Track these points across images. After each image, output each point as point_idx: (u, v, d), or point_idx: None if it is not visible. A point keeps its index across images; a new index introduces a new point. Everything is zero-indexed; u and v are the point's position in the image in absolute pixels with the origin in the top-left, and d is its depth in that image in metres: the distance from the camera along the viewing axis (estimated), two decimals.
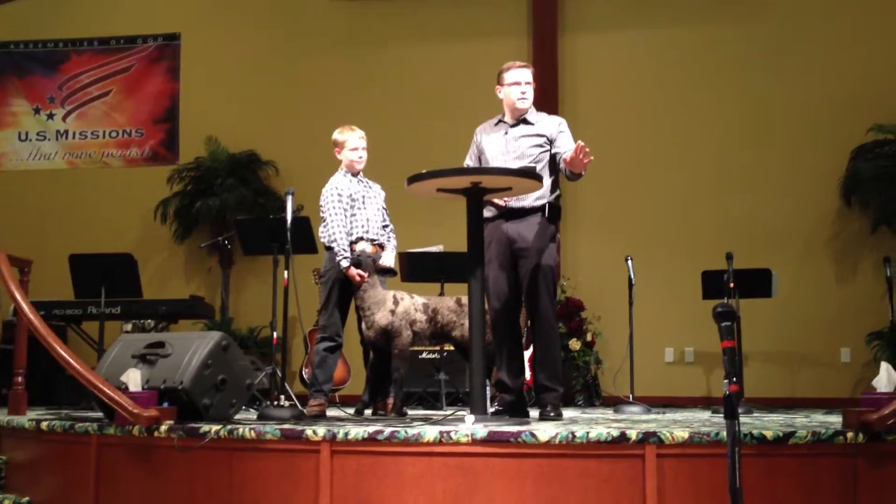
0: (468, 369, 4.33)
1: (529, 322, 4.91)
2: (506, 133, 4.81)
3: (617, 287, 7.15)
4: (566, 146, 4.69)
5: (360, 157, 5.42)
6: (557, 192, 4.81)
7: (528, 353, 6.37)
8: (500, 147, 4.79)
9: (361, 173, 5.48)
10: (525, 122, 4.80)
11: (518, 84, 4.78)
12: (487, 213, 4.75)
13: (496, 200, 4.66)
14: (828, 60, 8.62)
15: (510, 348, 4.77)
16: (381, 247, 5.39)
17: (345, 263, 5.04)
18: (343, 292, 5.27)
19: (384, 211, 5.57)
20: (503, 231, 4.71)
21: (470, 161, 4.95)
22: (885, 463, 3.35)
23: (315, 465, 3.56)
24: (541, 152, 4.74)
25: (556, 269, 4.85)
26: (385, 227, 5.53)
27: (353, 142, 5.40)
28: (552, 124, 4.81)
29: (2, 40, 10.00)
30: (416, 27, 9.37)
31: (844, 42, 8.62)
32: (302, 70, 9.46)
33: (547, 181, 4.70)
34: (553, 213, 4.74)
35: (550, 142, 4.76)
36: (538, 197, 4.68)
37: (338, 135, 5.45)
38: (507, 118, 4.86)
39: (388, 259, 5.35)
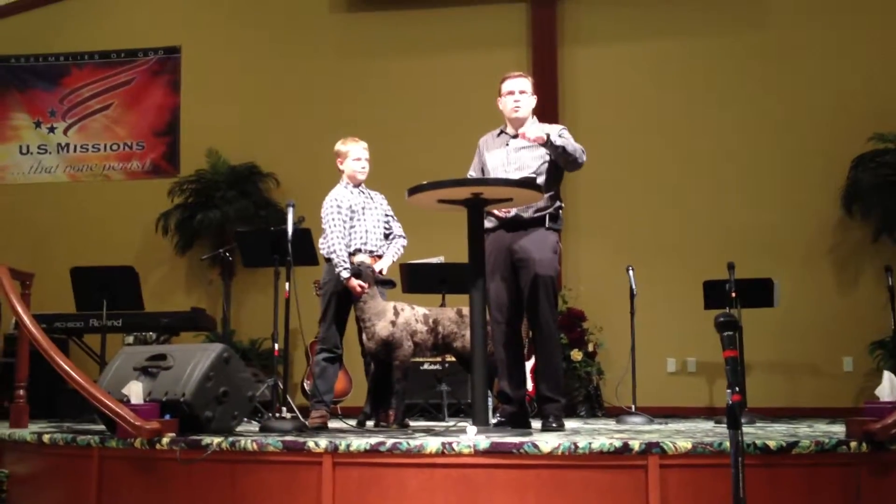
0: (470, 380, 4.33)
1: (531, 333, 4.90)
2: (507, 144, 4.81)
3: (618, 297, 7.14)
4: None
5: (363, 168, 5.42)
6: (559, 202, 4.80)
7: (529, 364, 6.36)
8: (501, 159, 4.79)
9: (363, 184, 5.48)
10: None
11: (511, 93, 4.78)
12: (489, 223, 4.75)
13: (496, 212, 4.66)
14: (828, 70, 8.64)
15: (512, 359, 4.75)
16: (381, 258, 5.37)
17: (345, 274, 5.04)
18: (341, 304, 5.26)
19: (391, 219, 5.54)
20: (504, 242, 4.71)
21: (474, 172, 4.93)
22: (888, 472, 3.34)
23: (317, 477, 3.56)
24: (542, 163, 4.73)
25: (558, 280, 4.84)
26: (387, 235, 5.51)
27: (355, 152, 5.40)
28: (552, 133, 4.80)
29: (3, 54, 10.03)
30: (416, 39, 9.40)
31: (844, 51, 8.64)
32: (302, 82, 9.48)
33: (549, 192, 4.70)
34: (554, 223, 4.74)
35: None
36: (539, 208, 4.67)
37: (340, 145, 5.45)
38: (509, 129, 4.86)
39: (383, 263, 5.33)
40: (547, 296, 4.64)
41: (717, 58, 8.88)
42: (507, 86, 4.81)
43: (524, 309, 4.74)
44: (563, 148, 4.55)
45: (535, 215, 4.69)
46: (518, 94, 4.77)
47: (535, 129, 4.53)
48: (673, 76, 8.96)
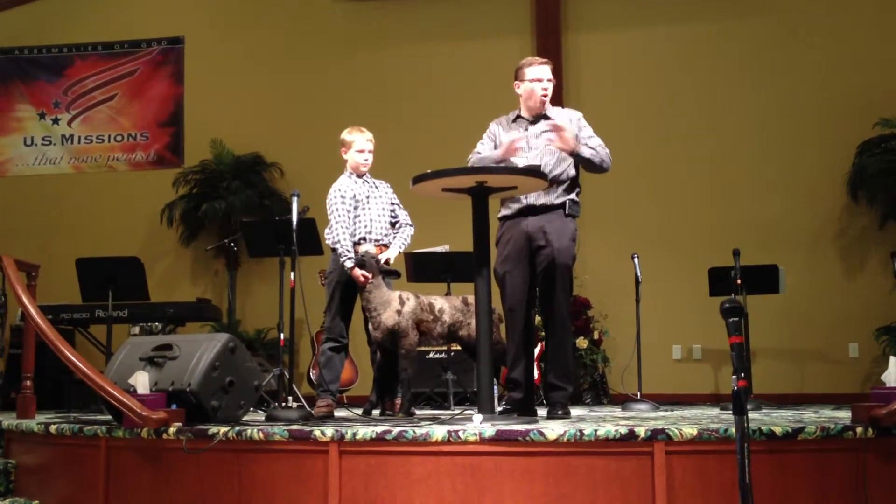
0: (475, 369, 4.32)
1: (541, 319, 4.89)
2: (525, 130, 4.78)
3: (624, 285, 7.14)
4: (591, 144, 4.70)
5: (366, 160, 5.42)
6: (578, 188, 4.77)
7: (535, 351, 6.37)
8: (520, 144, 4.75)
9: (368, 173, 5.48)
10: (544, 117, 4.77)
11: (540, 81, 4.75)
12: (507, 210, 4.74)
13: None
14: (833, 55, 8.61)
15: (524, 346, 4.74)
16: (387, 247, 5.38)
17: (349, 264, 5.04)
18: (346, 294, 5.27)
19: (397, 207, 5.54)
20: (522, 228, 4.69)
21: (482, 150, 4.87)
22: (894, 457, 3.34)
23: (323, 466, 3.57)
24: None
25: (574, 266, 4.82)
26: (394, 224, 5.51)
27: (359, 143, 5.40)
28: (571, 119, 4.79)
29: (6, 46, 10.02)
30: (419, 27, 9.38)
31: (850, 37, 8.60)
32: (306, 71, 9.47)
33: (570, 174, 4.68)
34: (574, 209, 4.72)
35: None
36: (559, 193, 4.66)
37: (346, 135, 5.45)
38: (525, 114, 4.83)
39: (390, 252, 5.33)
40: (563, 285, 4.63)
41: (721, 44, 8.84)
42: (534, 72, 4.76)
43: (537, 295, 4.73)
44: (590, 160, 4.62)
45: (556, 201, 4.67)
46: (546, 81, 4.75)
47: (569, 136, 4.53)
48: (677, 63, 8.93)
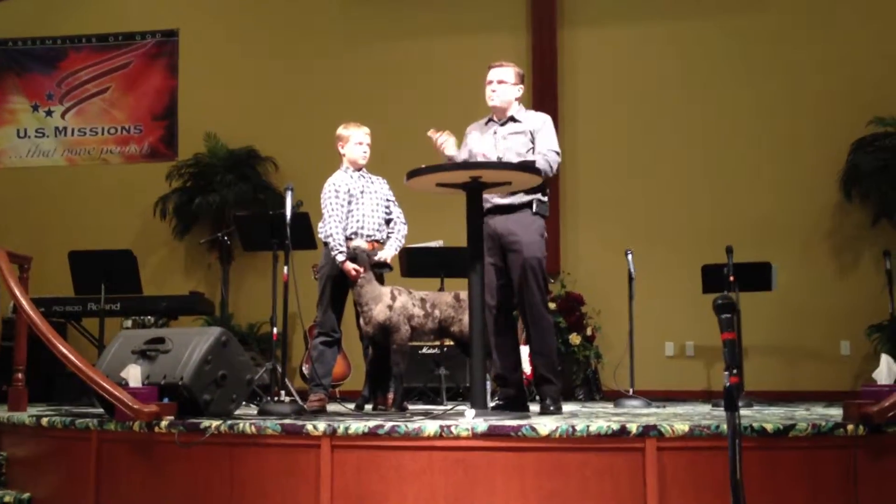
0: (468, 364, 4.33)
1: (523, 316, 4.91)
2: (495, 132, 4.84)
3: (617, 281, 7.15)
4: (541, 147, 4.72)
5: (365, 154, 5.42)
6: (545, 188, 4.81)
7: (526, 349, 6.37)
8: (489, 145, 4.81)
9: (364, 168, 5.48)
10: (513, 119, 4.84)
11: (490, 83, 4.84)
12: None
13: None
14: (827, 53, 8.61)
15: (507, 342, 4.78)
16: (379, 242, 5.37)
17: (340, 258, 5.05)
18: (337, 288, 5.27)
19: (392, 203, 5.54)
20: (492, 227, 4.73)
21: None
22: (885, 455, 3.35)
23: (316, 460, 3.57)
24: (528, 150, 4.76)
25: (547, 264, 4.85)
26: (388, 221, 5.50)
27: (357, 137, 5.40)
28: (537, 121, 4.84)
29: (0, 38, 9.99)
30: (415, 23, 9.36)
31: (844, 34, 8.61)
32: (300, 66, 9.45)
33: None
34: (540, 208, 4.76)
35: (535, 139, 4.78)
36: (525, 193, 4.69)
37: (343, 130, 5.45)
38: (495, 116, 4.89)
39: (387, 252, 5.33)
40: (535, 278, 4.67)
41: (716, 41, 8.85)
42: (488, 76, 4.87)
43: (514, 292, 4.75)
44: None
45: (522, 200, 4.72)
46: (496, 83, 4.82)
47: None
48: (672, 59, 8.93)
